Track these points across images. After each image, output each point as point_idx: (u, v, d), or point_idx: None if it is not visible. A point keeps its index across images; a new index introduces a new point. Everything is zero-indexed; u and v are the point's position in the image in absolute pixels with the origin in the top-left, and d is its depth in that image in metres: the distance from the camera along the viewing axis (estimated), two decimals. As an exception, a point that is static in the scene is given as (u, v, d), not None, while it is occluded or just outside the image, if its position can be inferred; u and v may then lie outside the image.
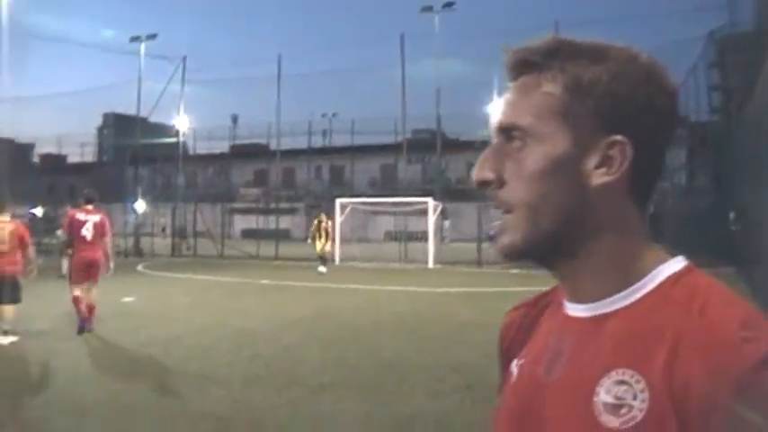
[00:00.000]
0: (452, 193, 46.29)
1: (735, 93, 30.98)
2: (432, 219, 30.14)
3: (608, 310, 0.98)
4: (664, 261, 0.99)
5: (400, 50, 37.15)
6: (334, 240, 26.76)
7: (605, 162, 0.97)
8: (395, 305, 15.66)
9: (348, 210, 32.41)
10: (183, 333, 11.61)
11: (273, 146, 61.03)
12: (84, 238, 11.66)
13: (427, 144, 51.23)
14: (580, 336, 0.99)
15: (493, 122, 1.05)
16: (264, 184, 63.30)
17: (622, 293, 0.97)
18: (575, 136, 0.98)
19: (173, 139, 47.55)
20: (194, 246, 36.20)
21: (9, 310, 10.76)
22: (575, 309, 1.02)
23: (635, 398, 0.87)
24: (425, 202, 30.81)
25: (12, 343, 10.48)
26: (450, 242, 37.50)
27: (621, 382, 0.89)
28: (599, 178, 0.97)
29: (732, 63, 32.77)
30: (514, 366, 1.10)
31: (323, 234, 25.65)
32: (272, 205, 50.14)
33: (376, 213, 37.47)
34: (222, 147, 69.81)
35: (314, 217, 27.72)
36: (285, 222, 44.45)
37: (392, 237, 37.67)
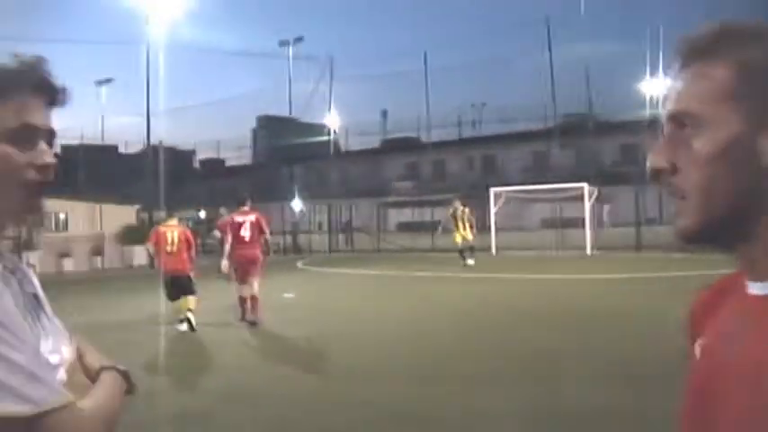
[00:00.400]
0: (607, 177, 45.07)
1: None
2: (588, 204, 29.44)
3: None
4: None
5: (546, 34, 36.41)
6: (473, 227, 23.61)
7: None
8: (552, 294, 15.42)
9: (502, 199, 32.13)
10: (343, 326, 11.86)
11: (424, 138, 61.53)
12: (242, 238, 12.37)
13: (579, 128, 50.21)
14: (758, 314, 0.97)
15: (664, 111, 1.05)
16: (416, 176, 63.78)
17: None
18: (747, 118, 0.96)
19: (324, 138, 48.57)
20: (351, 240, 36.93)
21: (191, 301, 11.72)
22: (753, 287, 1.00)
23: None
24: (580, 188, 30.12)
25: (184, 332, 11.41)
26: (609, 227, 36.56)
27: None
28: None
29: None
30: (697, 346, 1.09)
31: (461, 224, 23.37)
32: (425, 198, 50.32)
33: (530, 201, 36.91)
34: (373, 142, 71.02)
35: (448, 206, 25.49)
36: (438, 214, 44.47)
37: (547, 224, 37.12)
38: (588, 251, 28.06)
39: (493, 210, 31.43)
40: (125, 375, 1.51)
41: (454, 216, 23.66)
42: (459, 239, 23.48)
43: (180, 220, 13.62)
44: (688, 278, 17.27)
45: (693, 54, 1.02)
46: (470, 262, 23.02)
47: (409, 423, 6.22)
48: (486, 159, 66.35)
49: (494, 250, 29.71)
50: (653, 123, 50.39)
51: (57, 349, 1.42)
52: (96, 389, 1.39)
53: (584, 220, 29.71)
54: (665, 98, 1.06)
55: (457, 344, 9.95)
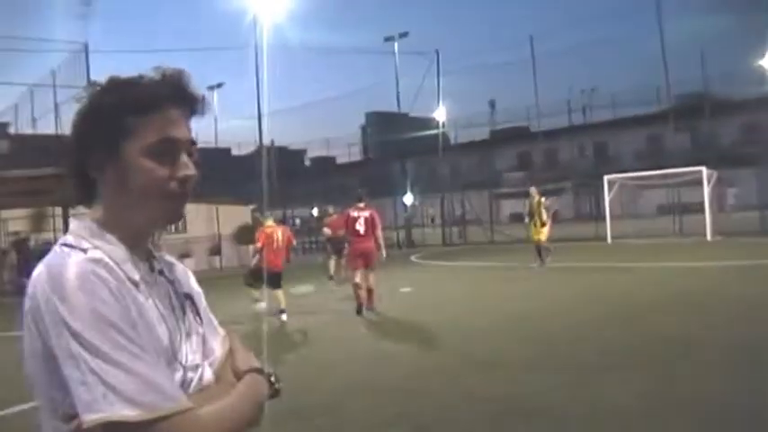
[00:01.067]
0: (727, 159, 43.47)
1: None
2: (707, 188, 28.52)
3: None
4: None
5: (656, 13, 35.34)
6: (545, 224, 20.04)
7: None
8: (673, 281, 15.09)
9: (617, 186, 31.54)
10: (459, 318, 12.02)
11: (533, 128, 60.82)
12: (357, 231, 13.26)
13: (695, 109, 48.53)
14: None
15: None
16: (527, 166, 63.14)
17: None
18: None
19: (434, 131, 48.61)
20: (464, 233, 36.92)
21: (280, 294, 13.03)
22: None
23: None
24: (699, 172, 29.19)
25: (285, 321, 12.59)
26: (733, 212, 35.35)
27: None
28: None
29: None
30: None
31: (538, 218, 20.09)
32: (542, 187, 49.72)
33: (645, 187, 36.07)
34: (482, 133, 70.67)
35: (527, 196, 21.66)
36: (552, 204, 43.90)
37: (664, 211, 36.16)
38: (709, 237, 27.19)
39: (607, 198, 30.87)
40: (270, 379, 1.59)
41: (531, 208, 20.59)
42: (535, 235, 20.42)
43: (277, 219, 14.90)
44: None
45: None
46: (539, 265, 19.76)
47: (539, 419, 6.19)
48: (597, 146, 65.08)
49: (609, 239, 29.20)
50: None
51: (201, 349, 1.53)
52: (231, 394, 1.45)
53: (703, 204, 28.78)
54: None
55: (575, 334, 9.92)
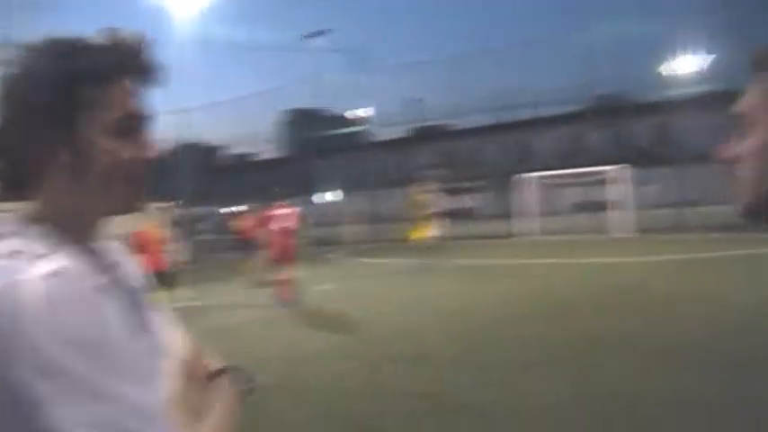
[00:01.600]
0: (642, 159, 44.41)
1: None
2: (624, 187, 29.04)
3: None
4: None
5: (578, 16, 35.79)
6: (431, 220, 18.31)
7: None
8: (591, 278, 15.25)
9: (536, 184, 31.90)
10: (383, 315, 11.90)
11: (455, 126, 61.23)
12: (278, 229, 13.35)
13: (613, 109, 49.53)
14: None
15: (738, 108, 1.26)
16: (450, 164, 63.49)
17: None
18: None
19: (356, 128, 48.50)
20: (387, 230, 36.80)
21: (171, 293, 12.21)
22: None
23: None
24: (617, 170, 29.72)
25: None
26: (649, 209, 36.08)
27: None
28: None
29: None
30: None
31: (420, 213, 18.21)
32: (460, 185, 50.13)
33: (566, 185, 36.59)
34: (404, 131, 70.66)
35: (410, 191, 19.45)
36: (473, 201, 44.15)
37: (582, 208, 36.68)
38: (626, 234, 27.67)
39: (526, 195, 31.22)
40: (243, 377, 1.47)
41: (412, 204, 18.69)
42: (414, 233, 18.52)
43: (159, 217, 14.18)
44: (731, 258, 16.97)
45: (760, 65, 1.24)
46: (417, 262, 17.94)
47: (466, 415, 6.16)
48: (519, 144, 65.83)
49: (530, 235, 29.50)
50: (687, 102, 49.74)
51: (166, 349, 1.33)
52: (214, 411, 1.33)
53: (619, 202, 29.33)
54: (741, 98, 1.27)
55: (501, 331, 9.96)
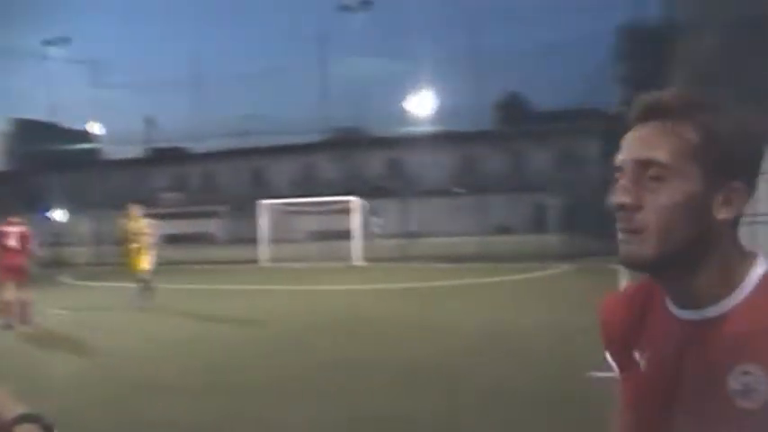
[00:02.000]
0: (374, 191, 46.52)
1: (644, 84, 32.11)
2: (357, 217, 30.33)
3: (715, 314, 1.21)
4: (753, 265, 1.23)
5: (320, 50, 37.03)
6: (149, 249, 16.51)
7: (728, 201, 1.20)
8: (329, 305, 15.73)
9: (271, 211, 32.38)
10: (121, 343, 11.46)
11: (192, 149, 60.50)
12: (9, 247, 12.87)
13: (347, 142, 51.46)
14: (696, 337, 1.23)
15: (628, 155, 1.25)
16: (184, 187, 62.60)
17: (726, 300, 1.21)
18: (706, 178, 1.19)
19: (87, 145, 46.56)
20: (117, 253, 35.53)
21: None
22: (686, 314, 1.26)
23: (759, 384, 1.13)
24: (349, 201, 30.95)
25: None
26: (377, 239, 37.78)
27: (746, 373, 1.14)
28: (723, 214, 1.20)
29: (640, 56, 33.88)
30: (638, 357, 1.34)
31: (136, 241, 16.32)
32: (194, 209, 49.53)
33: (299, 213, 37.39)
34: (138, 151, 68.67)
35: (123, 215, 17.23)
36: (208, 226, 43.94)
37: (317, 236, 37.69)
38: (358, 263, 28.90)
39: (262, 222, 31.58)
40: (42, 424, 1.38)
41: (129, 230, 16.60)
42: (133, 263, 16.49)
43: None
44: (454, 287, 18.42)
45: (662, 112, 1.23)
46: (143, 298, 16.16)
47: None
48: (255, 171, 66.36)
49: (265, 262, 29.88)
50: (416, 139, 52.74)
51: None
52: None
53: (352, 231, 30.57)
54: (627, 142, 1.26)
55: (245, 357, 9.99)
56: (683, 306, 1.27)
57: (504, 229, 58.38)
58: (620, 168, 1.26)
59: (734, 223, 1.23)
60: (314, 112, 57.13)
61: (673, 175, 1.19)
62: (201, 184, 62.84)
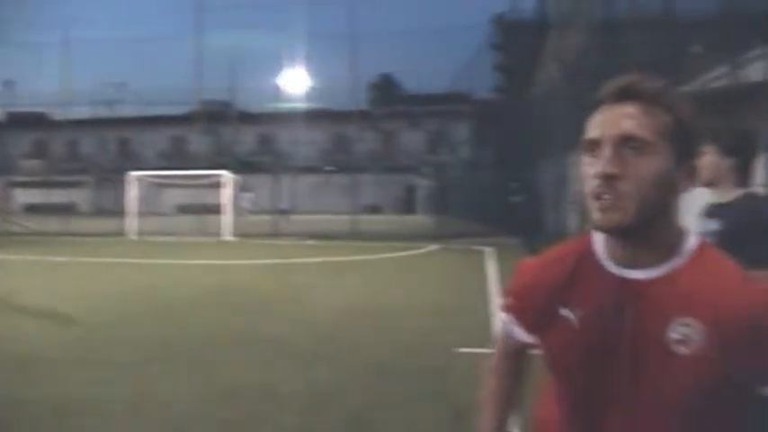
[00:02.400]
0: (244, 166, 46.14)
1: (516, 73, 33.21)
2: (228, 191, 30.09)
3: (659, 274, 1.45)
4: (687, 235, 1.50)
5: (195, 21, 36.28)
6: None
7: (689, 175, 1.46)
8: (199, 279, 15.66)
9: (140, 183, 31.70)
10: None
11: (55, 115, 58.13)
12: None
13: (219, 116, 50.71)
14: (640, 294, 1.46)
15: (610, 131, 1.44)
16: (45, 155, 60.19)
17: (669, 262, 1.46)
18: (675, 154, 1.43)
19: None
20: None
21: None
22: (629, 273, 1.48)
23: (695, 334, 1.38)
24: (221, 175, 30.67)
25: None
26: (248, 214, 37.56)
27: (684, 325, 1.40)
28: (684, 187, 1.46)
29: (514, 46, 34.98)
30: (568, 315, 1.55)
31: None
32: (56, 178, 47.75)
33: (168, 186, 36.73)
34: (-2, 115, 65.46)
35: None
36: (71, 196, 42.51)
37: (185, 210, 37.15)
38: (228, 237, 28.75)
39: (131, 194, 30.88)
40: None
41: None
42: None
43: None
44: (324, 264, 18.62)
45: (636, 94, 1.44)
46: None
47: (84, 416, 6.09)
48: (122, 141, 64.49)
49: (133, 235, 29.28)
50: (288, 116, 52.55)
51: None
52: None
53: (223, 206, 30.34)
54: (605, 119, 1.45)
55: (116, 329, 9.84)
56: (627, 266, 1.49)
57: (374, 209, 59.11)
58: (596, 142, 1.46)
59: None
60: (185, 83, 55.86)
61: (651, 151, 1.41)
62: (65, 152, 60.50)
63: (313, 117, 55.55)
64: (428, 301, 12.16)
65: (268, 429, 5.74)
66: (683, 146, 1.44)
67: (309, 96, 55.75)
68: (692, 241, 1.49)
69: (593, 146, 1.46)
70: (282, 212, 35.35)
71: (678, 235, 1.49)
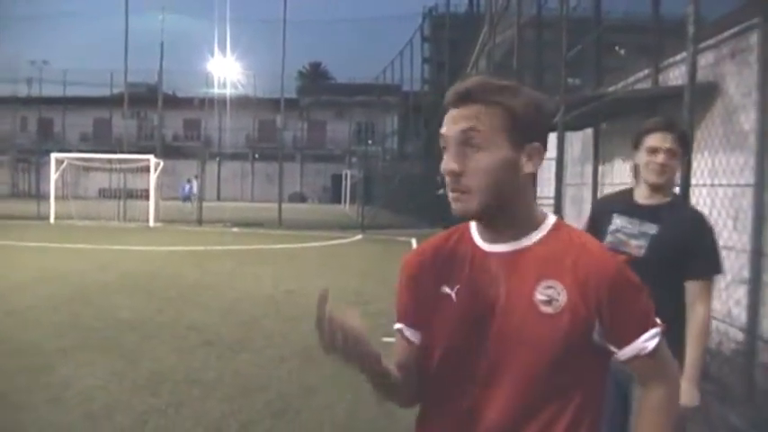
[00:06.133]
0: (169, 151, 45.58)
1: (446, 66, 33.53)
2: (153, 176, 29.70)
3: (523, 246, 1.65)
4: (545, 215, 1.69)
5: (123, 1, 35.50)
6: None
7: (530, 158, 1.62)
8: (122, 265, 15.53)
9: (63, 165, 31.03)
10: None
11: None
12: None
13: (145, 99, 49.95)
14: (508, 264, 1.64)
15: (450, 129, 1.62)
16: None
17: (530, 236, 1.66)
18: (512, 143, 1.60)
19: None
20: None
21: None
22: (492, 247, 1.67)
23: (559, 295, 1.58)
24: (146, 160, 30.24)
25: None
26: (171, 201, 37.10)
27: (549, 287, 1.59)
28: (527, 169, 1.62)
29: (445, 39, 35.30)
30: (449, 291, 1.71)
31: None
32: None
33: (91, 170, 35.98)
34: None
35: None
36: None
37: (108, 194, 36.39)
38: (151, 223, 28.44)
39: (53, 176, 30.21)
40: None
41: None
42: None
43: None
44: (248, 252, 18.63)
45: (472, 97, 1.60)
46: None
47: (1, 403, 6.09)
48: (43, 122, 62.85)
49: (52, 219, 28.68)
50: (215, 102, 52.06)
51: None
52: None
53: (147, 191, 29.97)
54: (448, 121, 1.63)
55: (36, 315, 9.71)
56: (494, 242, 1.68)
57: (299, 197, 59.02)
58: (444, 140, 1.64)
59: (533, 178, 1.66)
60: (110, 64, 54.78)
61: (488, 145, 1.59)
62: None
63: (240, 103, 55.17)
64: (352, 290, 12.34)
65: (192, 417, 5.79)
66: (518, 134, 1.60)
67: (237, 82, 55.36)
68: (550, 218, 1.69)
69: (443, 144, 1.65)
70: (207, 199, 34.99)
71: (536, 212, 1.68)
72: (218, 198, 52.37)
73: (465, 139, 1.60)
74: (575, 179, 12.15)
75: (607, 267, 1.59)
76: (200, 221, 29.40)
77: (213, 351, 7.98)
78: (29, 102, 62.52)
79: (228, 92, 53.46)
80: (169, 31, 37.41)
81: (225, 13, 54.40)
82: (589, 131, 11.05)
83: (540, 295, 1.59)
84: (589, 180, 10.74)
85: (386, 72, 50.34)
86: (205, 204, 31.00)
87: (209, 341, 8.42)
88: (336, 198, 54.31)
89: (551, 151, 10.91)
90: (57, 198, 30.07)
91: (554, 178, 10.12)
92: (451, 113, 1.64)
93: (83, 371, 6.97)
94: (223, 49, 50.32)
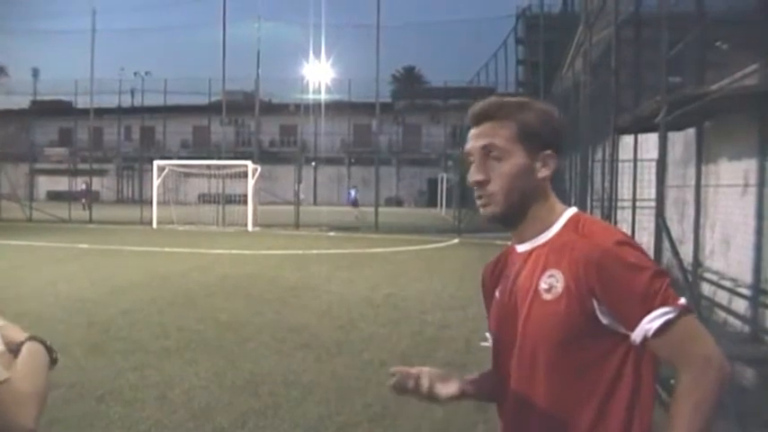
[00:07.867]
0: (265, 156, 46.28)
1: (540, 67, 33.09)
2: (251, 182, 30.15)
3: (539, 243, 1.82)
4: (565, 210, 1.84)
5: (222, 10, 36.29)
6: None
7: (544, 164, 1.82)
8: (222, 268, 15.76)
9: (165, 172, 31.84)
10: (4, 301, 10.94)
11: (79, 103, 58.43)
12: None
13: (242, 106, 50.82)
14: (525, 260, 1.83)
15: (473, 145, 1.83)
16: (70, 143, 60.61)
17: (548, 232, 1.82)
18: (527, 152, 1.80)
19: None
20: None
21: None
22: (520, 247, 1.87)
23: (557, 282, 1.72)
24: (244, 165, 30.75)
25: None
26: (269, 205, 37.60)
27: (551, 276, 1.74)
28: (542, 173, 1.82)
29: (539, 40, 34.84)
30: (497, 293, 1.93)
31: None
32: (80, 166, 48.05)
33: (191, 175, 36.79)
34: (23, 103, 65.96)
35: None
36: (95, 184, 42.63)
37: (208, 199, 37.16)
38: (250, 227, 28.82)
39: (155, 182, 31.04)
40: (47, 347, 1.62)
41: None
42: None
43: None
44: (345, 256, 18.66)
45: (489, 116, 1.82)
46: None
47: (111, 403, 6.18)
48: (145, 131, 64.70)
49: (155, 224, 29.45)
50: (311, 107, 52.59)
51: None
52: (25, 362, 1.47)
53: (245, 196, 30.42)
54: (470, 138, 1.84)
55: (135, 317, 9.93)
56: (522, 242, 1.87)
57: (395, 201, 59.16)
58: (469, 154, 1.84)
59: (551, 181, 1.84)
60: (209, 72, 56.04)
61: (507, 155, 1.80)
62: (89, 140, 60.83)
63: (335, 108, 55.62)
64: (449, 295, 12.18)
65: (289, 419, 5.79)
66: (532, 144, 1.80)
67: (332, 88, 55.85)
68: (568, 212, 1.85)
69: (468, 157, 1.85)
70: (304, 204, 35.33)
71: (555, 210, 1.85)
72: (315, 202, 52.90)
73: (486, 153, 1.81)
74: (677, 181, 11.70)
75: (595, 249, 1.67)
76: (297, 225, 29.68)
77: (311, 353, 7.96)
78: (132, 111, 64.51)
79: (323, 97, 54.01)
80: (265, 38, 37.93)
81: (320, 19, 54.61)
82: (691, 131, 10.62)
83: (543, 284, 1.75)
84: (692, 182, 10.30)
85: (480, 75, 50.04)
86: (301, 209, 31.28)
87: (307, 343, 8.42)
88: (432, 202, 54.11)
89: (652, 152, 10.76)
90: (159, 203, 30.89)
91: (655, 180, 9.76)
92: (473, 132, 1.86)
93: (187, 371, 7.12)
94: (318, 54, 50.83)
